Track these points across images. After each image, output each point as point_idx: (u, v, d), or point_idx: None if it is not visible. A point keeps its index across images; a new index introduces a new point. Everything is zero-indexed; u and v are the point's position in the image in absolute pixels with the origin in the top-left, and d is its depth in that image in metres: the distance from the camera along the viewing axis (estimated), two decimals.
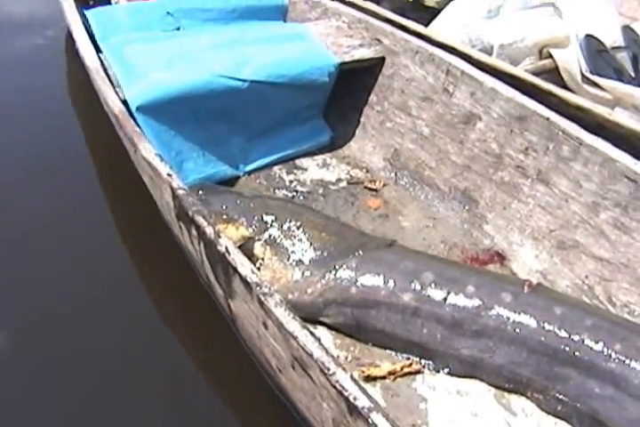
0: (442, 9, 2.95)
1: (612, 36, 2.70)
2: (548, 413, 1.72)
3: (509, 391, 1.77)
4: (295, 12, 2.99)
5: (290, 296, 1.86)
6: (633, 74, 2.63)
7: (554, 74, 2.61)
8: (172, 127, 2.28)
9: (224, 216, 2.01)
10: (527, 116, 2.15)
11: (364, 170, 2.57)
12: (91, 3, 3.09)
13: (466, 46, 2.55)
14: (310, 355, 1.31)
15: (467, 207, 2.33)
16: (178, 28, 2.72)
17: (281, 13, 2.98)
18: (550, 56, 2.64)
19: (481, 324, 1.75)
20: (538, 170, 2.15)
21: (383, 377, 1.79)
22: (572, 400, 1.68)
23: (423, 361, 1.82)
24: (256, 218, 2.01)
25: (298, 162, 2.60)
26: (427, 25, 2.85)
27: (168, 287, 2.17)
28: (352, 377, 1.26)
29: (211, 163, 2.39)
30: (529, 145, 2.16)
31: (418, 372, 1.81)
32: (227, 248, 1.55)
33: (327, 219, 2.15)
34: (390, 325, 1.82)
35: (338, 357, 1.82)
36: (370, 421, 1.19)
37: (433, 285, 1.80)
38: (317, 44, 2.61)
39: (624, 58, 2.66)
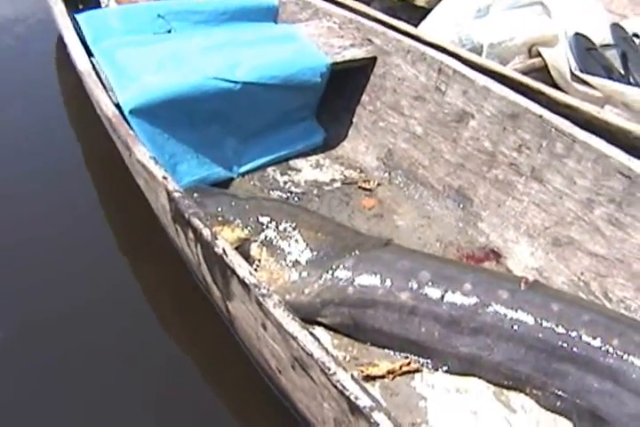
0: (432, 8, 2.95)
1: (600, 34, 2.71)
2: (548, 409, 1.73)
3: (508, 388, 1.78)
4: (286, 14, 2.99)
5: (287, 297, 1.87)
6: (622, 71, 2.64)
7: (543, 72, 2.61)
8: (166, 130, 2.28)
9: (219, 218, 2.01)
10: (520, 114, 2.16)
11: (358, 170, 2.58)
12: (80, 6, 3.08)
13: (456, 46, 2.55)
14: (310, 355, 1.32)
15: (461, 206, 2.34)
16: (169, 31, 2.71)
17: (272, 15, 2.97)
18: (539, 55, 2.65)
19: (478, 321, 1.75)
20: (531, 167, 2.16)
21: (382, 376, 1.79)
22: (572, 396, 1.69)
23: (421, 360, 1.83)
24: (251, 219, 2.01)
25: (291, 163, 2.60)
26: (417, 25, 2.85)
27: (165, 290, 2.17)
28: (353, 377, 1.27)
29: (205, 165, 2.39)
30: (522, 143, 2.17)
31: (416, 370, 1.82)
32: (224, 250, 1.55)
33: (323, 219, 2.15)
34: (388, 324, 1.83)
35: (336, 357, 1.82)
36: (372, 420, 1.20)
37: (430, 283, 1.81)
38: (309, 45, 2.61)
39: (613, 55, 2.67)
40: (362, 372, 1.79)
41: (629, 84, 2.54)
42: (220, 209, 2.04)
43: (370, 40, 2.64)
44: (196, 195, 2.10)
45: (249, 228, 2.00)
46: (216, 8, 2.84)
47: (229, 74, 2.36)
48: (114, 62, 2.37)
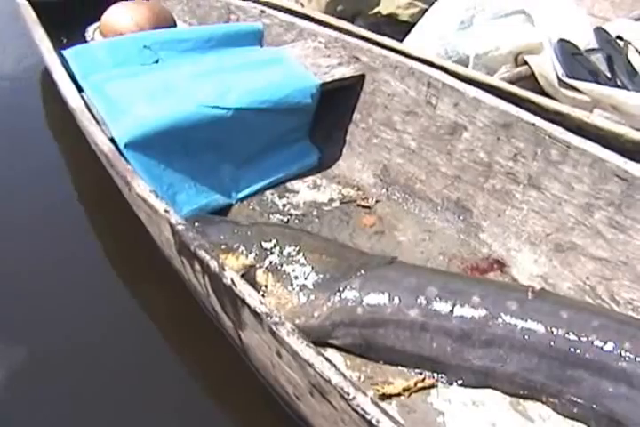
0: (416, 22, 2.96)
1: (584, 39, 2.72)
2: (565, 416, 1.73)
3: (524, 398, 1.78)
4: (271, 36, 3.00)
5: (297, 321, 1.87)
6: (609, 75, 2.65)
7: (530, 80, 2.62)
8: (162, 161, 2.29)
9: (223, 246, 2.01)
10: (512, 123, 2.17)
11: (356, 188, 2.58)
12: (64, 41, 3.09)
13: (442, 59, 2.57)
14: (328, 381, 1.32)
15: (461, 217, 2.35)
16: (157, 61, 2.72)
17: (257, 38, 2.99)
18: (526, 63, 2.66)
19: (489, 333, 1.76)
20: (528, 175, 2.17)
21: (398, 394, 1.79)
22: (588, 402, 1.69)
23: (436, 375, 1.83)
24: (255, 246, 2.02)
25: (289, 185, 2.61)
26: (402, 39, 2.87)
27: (174, 322, 2.17)
28: (372, 400, 1.27)
29: (203, 193, 2.39)
30: (517, 151, 2.18)
31: (432, 386, 1.82)
32: (232, 280, 1.55)
33: (325, 241, 2.16)
34: (399, 342, 1.83)
35: (350, 377, 1.82)
36: None
37: (438, 298, 1.81)
38: (296, 67, 2.63)
39: (599, 59, 2.67)
40: (377, 391, 1.79)
41: (617, 86, 2.55)
42: (222, 237, 2.05)
43: (357, 58, 2.66)
44: (197, 224, 2.10)
45: (253, 254, 2.00)
46: (201, 36, 2.86)
47: (220, 101, 2.37)
48: (105, 96, 2.38)
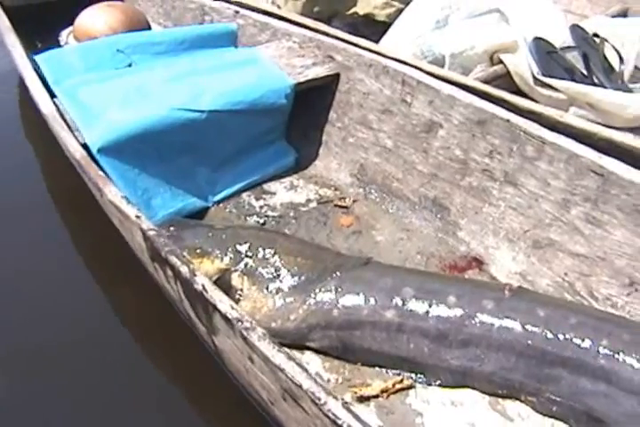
0: (393, 22, 2.96)
1: (560, 37, 2.72)
2: (545, 415, 1.72)
3: (503, 397, 1.77)
4: (245, 37, 2.99)
5: (273, 324, 1.86)
6: (585, 72, 2.64)
7: (506, 79, 2.61)
8: (136, 165, 2.27)
9: (198, 250, 1.99)
10: (487, 120, 2.16)
11: (333, 188, 2.57)
12: (39, 45, 3.07)
13: (417, 60, 2.56)
14: (299, 386, 1.30)
15: (439, 216, 2.34)
16: (130, 65, 2.70)
17: (231, 39, 2.97)
18: (501, 62, 2.65)
19: (466, 333, 1.75)
20: (504, 172, 2.16)
21: (376, 396, 1.78)
22: (567, 400, 1.68)
23: (414, 376, 1.82)
24: (230, 249, 2.00)
25: (265, 187, 2.59)
26: (379, 39, 2.87)
27: (150, 326, 2.15)
28: (344, 405, 1.26)
29: (178, 197, 2.38)
30: (493, 148, 2.17)
31: (410, 387, 1.81)
32: (203, 286, 1.54)
33: (301, 243, 2.14)
34: (376, 343, 1.82)
35: (328, 380, 1.81)
36: None
37: (414, 299, 1.80)
38: (271, 67, 2.61)
39: (575, 57, 2.67)
40: (355, 393, 1.77)
41: (593, 84, 2.54)
42: (197, 241, 2.03)
43: (331, 57, 2.65)
44: (172, 228, 2.09)
45: (228, 258, 1.98)
46: (175, 38, 2.84)
47: (194, 104, 2.35)
48: (77, 101, 2.36)
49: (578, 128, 2.11)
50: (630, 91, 2.57)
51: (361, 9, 3.28)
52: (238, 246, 2.00)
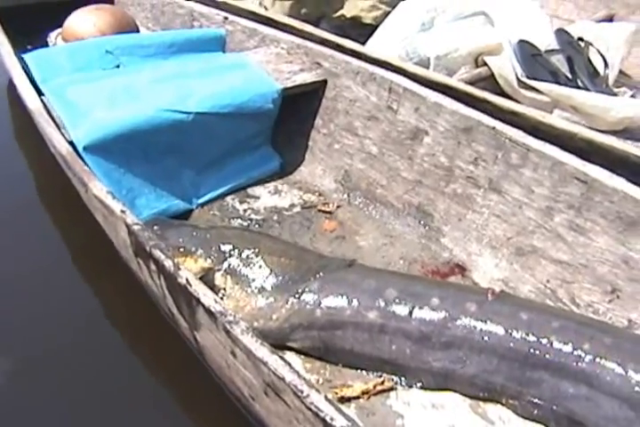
0: (379, 25, 2.98)
1: (545, 40, 2.75)
2: (526, 418, 1.71)
3: (484, 400, 1.76)
4: (234, 42, 3.00)
5: (255, 324, 1.85)
6: (570, 75, 2.67)
7: (490, 81, 2.64)
8: (121, 165, 2.27)
9: (181, 249, 1.99)
10: (473, 127, 2.18)
11: (317, 193, 2.57)
12: (29, 46, 3.07)
13: (400, 60, 2.60)
14: (282, 379, 1.30)
15: (422, 222, 2.34)
16: (118, 66, 2.70)
17: (219, 44, 2.98)
18: (485, 64, 2.67)
19: (449, 335, 1.74)
20: (489, 179, 2.17)
21: (357, 397, 1.77)
22: (548, 403, 1.68)
23: (395, 378, 1.81)
24: (214, 249, 1.99)
25: (250, 190, 2.59)
26: (366, 41, 2.89)
27: (131, 324, 2.15)
28: (327, 398, 1.26)
29: (163, 198, 2.37)
30: (477, 155, 2.18)
31: (391, 389, 1.80)
32: (187, 280, 1.54)
33: (285, 244, 2.14)
34: (358, 344, 1.81)
35: (309, 380, 1.81)
36: None
37: (397, 300, 1.80)
38: (258, 72, 2.62)
39: (560, 60, 2.70)
40: (336, 394, 1.77)
41: (577, 87, 2.57)
42: (181, 240, 2.02)
43: (319, 63, 2.66)
44: (156, 227, 2.08)
45: (212, 257, 1.98)
46: (163, 41, 2.84)
47: (181, 105, 2.36)
48: (64, 100, 2.36)
49: (559, 129, 2.15)
50: (615, 95, 2.60)
51: (348, 11, 3.31)
52: (222, 246, 2.00)
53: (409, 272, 2.19)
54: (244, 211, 2.48)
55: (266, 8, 3.33)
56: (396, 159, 2.42)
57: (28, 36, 3.17)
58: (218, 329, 1.48)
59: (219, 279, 1.95)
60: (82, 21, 3.11)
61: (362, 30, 3.18)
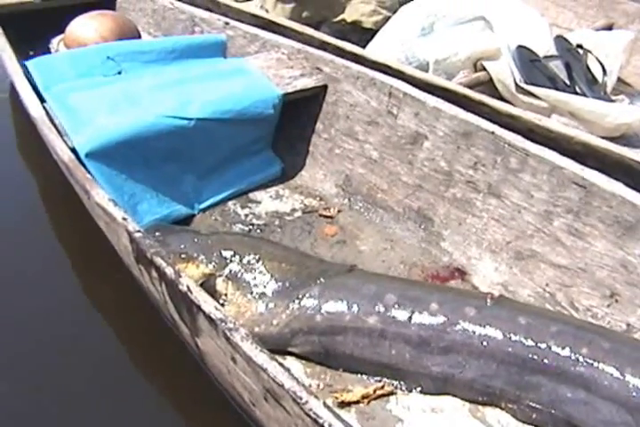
0: (380, 29, 2.99)
1: (544, 46, 2.76)
2: (524, 422, 1.73)
3: (483, 404, 1.78)
4: (234, 48, 3.00)
5: (256, 329, 1.86)
6: (567, 81, 2.68)
7: (489, 86, 2.65)
8: (123, 171, 2.28)
9: (183, 255, 2.00)
10: (472, 132, 2.19)
11: (318, 198, 2.59)
12: (31, 53, 3.08)
13: (399, 64, 2.61)
14: (281, 386, 1.32)
15: (422, 226, 2.35)
16: (119, 72, 2.70)
17: (220, 50, 2.98)
18: (484, 68, 2.68)
19: (448, 340, 1.76)
20: (488, 184, 2.18)
21: (357, 402, 1.79)
22: (546, 407, 1.69)
23: (395, 382, 1.83)
24: (215, 254, 2.01)
25: (251, 195, 2.60)
26: (366, 46, 2.89)
27: (133, 330, 2.16)
28: (325, 404, 1.27)
29: (165, 203, 2.38)
30: (477, 160, 2.20)
31: (391, 393, 1.82)
32: (188, 287, 1.55)
33: (286, 249, 2.16)
34: (358, 349, 1.83)
35: (310, 385, 1.82)
36: None
37: (396, 306, 1.81)
38: (259, 78, 2.63)
39: (558, 67, 2.71)
40: (336, 398, 1.78)
41: (575, 93, 2.58)
42: (182, 246, 2.04)
43: (319, 68, 2.67)
44: (157, 233, 2.09)
45: (213, 263, 1.99)
46: (164, 47, 2.84)
47: (182, 111, 2.37)
48: (66, 107, 2.37)
49: (555, 132, 2.17)
50: (612, 102, 2.61)
51: (349, 16, 3.31)
52: (223, 252, 2.01)
53: (409, 276, 2.20)
54: (246, 216, 2.49)
55: (267, 11, 3.33)
56: (396, 164, 2.44)
57: (30, 41, 3.17)
58: (218, 336, 1.49)
59: (220, 285, 1.96)
60: (84, 27, 3.11)
61: (362, 35, 3.18)
